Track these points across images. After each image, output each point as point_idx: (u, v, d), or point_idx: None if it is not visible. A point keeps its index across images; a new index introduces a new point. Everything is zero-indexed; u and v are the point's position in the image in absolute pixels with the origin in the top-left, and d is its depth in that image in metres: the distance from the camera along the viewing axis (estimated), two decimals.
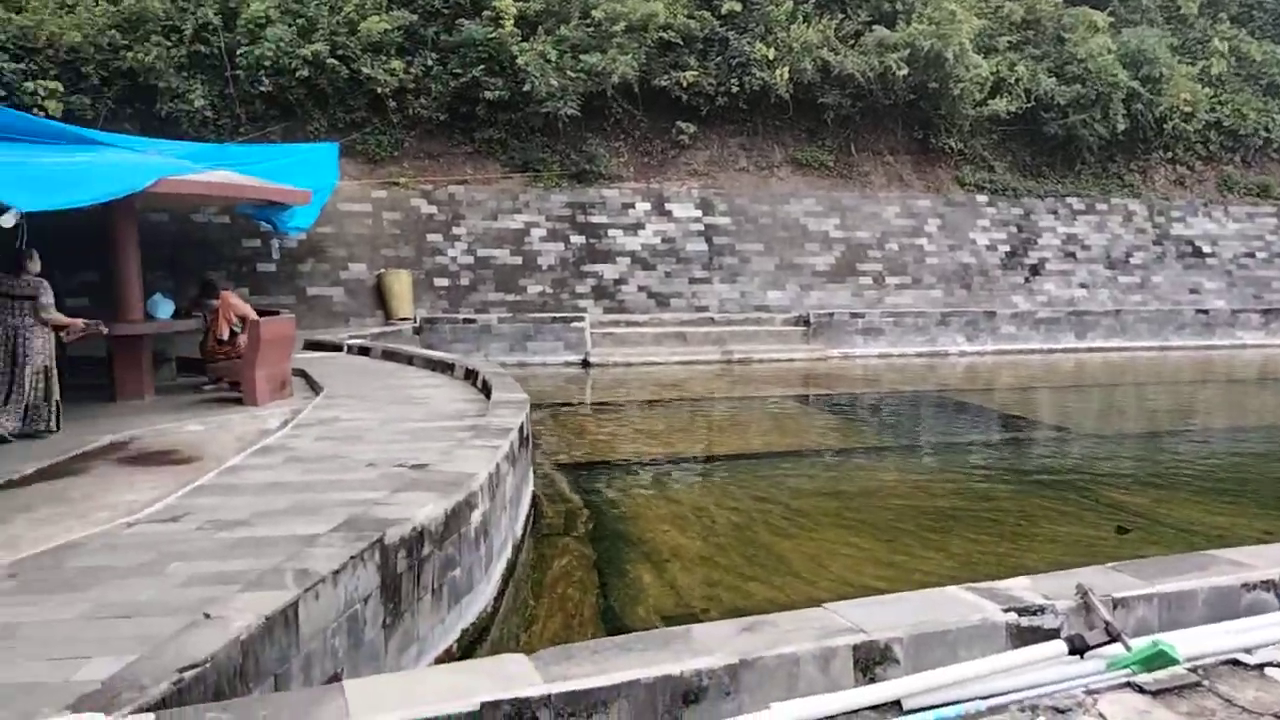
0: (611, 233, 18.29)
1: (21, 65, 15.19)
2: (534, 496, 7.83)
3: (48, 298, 7.59)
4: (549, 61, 17.85)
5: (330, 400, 9.06)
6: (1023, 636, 3.52)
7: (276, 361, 9.30)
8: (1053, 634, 3.52)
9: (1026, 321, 19.12)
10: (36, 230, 7.38)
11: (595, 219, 18.36)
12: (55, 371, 7.71)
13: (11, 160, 7.66)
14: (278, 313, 10.44)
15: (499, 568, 5.88)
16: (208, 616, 3.34)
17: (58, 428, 7.73)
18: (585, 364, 15.81)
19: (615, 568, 6.38)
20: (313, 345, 12.76)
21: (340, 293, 16.31)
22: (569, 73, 18.04)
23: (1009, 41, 21.69)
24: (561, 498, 8.15)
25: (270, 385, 9.15)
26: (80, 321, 8.05)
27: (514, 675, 2.95)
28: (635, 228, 18.46)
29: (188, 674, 2.89)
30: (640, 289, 17.92)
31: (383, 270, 16.45)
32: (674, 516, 7.57)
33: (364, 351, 12.52)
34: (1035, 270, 20.63)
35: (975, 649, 3.43)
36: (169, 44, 16.31)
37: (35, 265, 7.63)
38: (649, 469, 9.37)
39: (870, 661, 3.31)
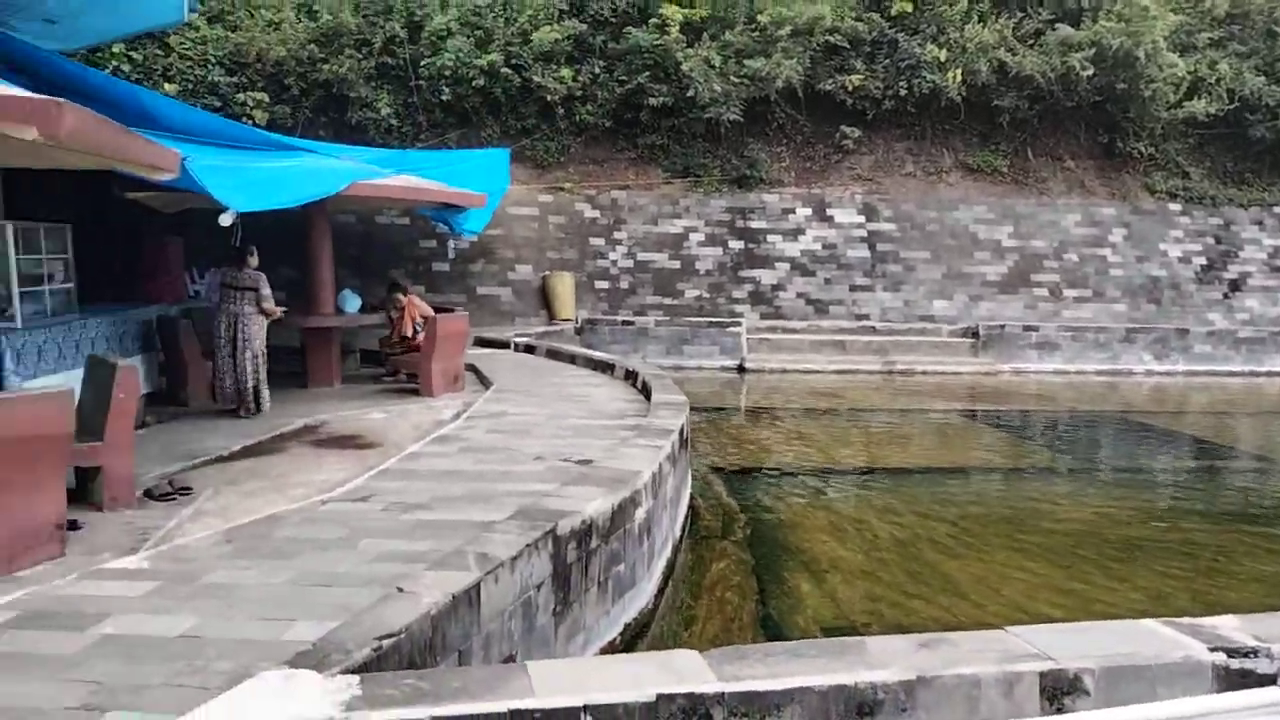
0: (770, 238, 18.15)
1: (234, 79, 16.69)
2: (691, 499, 7.88)
3: (266, 289, 8.37)
4: (713, 67, 17.93)
5: (499, 395, 9.44)
6: (1231, 680, 3.24)
7: (451, 356, 9.79)
8: (1268, 680, 3.23)
9: (1225, 340, 17.56)
10: (246, 228, 8.10)
11: (754, 224, 18.28)
12: (265, 356, 8.47)
13: (228, 165, 8.40)
14: (453, 310, 10.96)
15: (659, 566, 5.96)
16: (400, 590, 3.56)
17: (263, 408, 8.46)
18: (740, 369, 15.77)
19: (773, 575, 6.33)
20: (482, 342, 13.32)
21: (507, 293, 16.98)
22: (732, 78, 18.05)
23: (1210, 38, 20.00)
24: (718, 502, 8.16)
25: (444, 378, 9.64)
26: (280, 310, 8.80)
27: (688, 670, 2.99)
28: (795, 233, 18.25)
29: (385, 642, 3.09)
30: (799, 295, 17.70)
31: (547, 272, 17.00)
32: (833, 527, 7.43)
33: (529, 350, 12.98)
34: (1235, 285, 18.93)
35: (1176, 688, 3.19)
36: (360, 56, 17.48)
37: (254, 260, 8.42)
38: (806, 478, 9.24)
39: (1058, 690, 3.14)
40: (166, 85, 15.79)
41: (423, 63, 17.67)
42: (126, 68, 15.77)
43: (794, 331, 16.89)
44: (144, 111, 8.65)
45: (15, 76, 8.22)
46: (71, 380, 6.94)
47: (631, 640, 5.15)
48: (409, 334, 10.03)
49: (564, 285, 16.65)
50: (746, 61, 18.11)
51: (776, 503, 8.17)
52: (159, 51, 16.34)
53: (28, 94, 4.60)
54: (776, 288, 17.74)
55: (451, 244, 16.66)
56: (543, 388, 9.95)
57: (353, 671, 2.90)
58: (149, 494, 5.74)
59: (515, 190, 17.23)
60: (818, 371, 15.73)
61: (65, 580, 4.16)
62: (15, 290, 7.12)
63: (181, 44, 16.47)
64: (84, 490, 5.46)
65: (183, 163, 6.28)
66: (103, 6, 11.19)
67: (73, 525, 4.87)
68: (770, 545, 6.97)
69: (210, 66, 16.62)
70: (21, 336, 6.77)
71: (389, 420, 8.44)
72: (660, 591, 5.83)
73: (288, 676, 2.70)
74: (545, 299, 16.84)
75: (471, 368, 10.92)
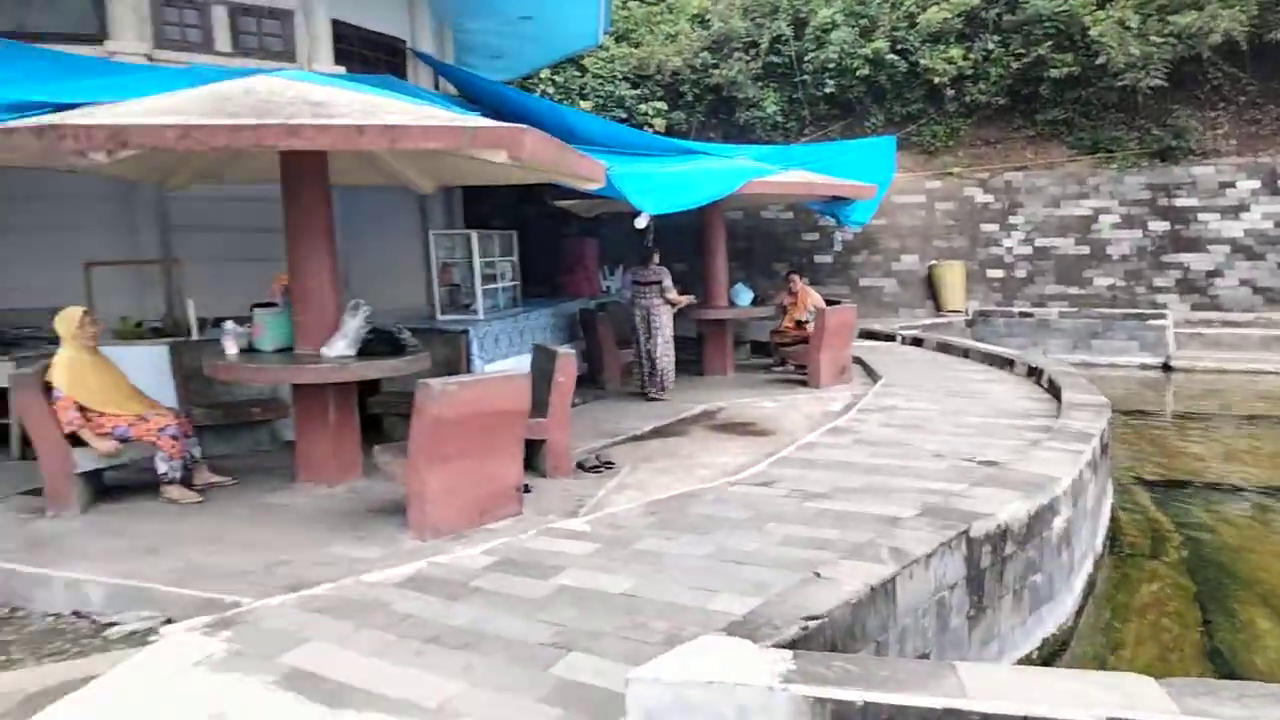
0: (1203, 217, 15.67)
1: (637, 91, 18.22)
2: (1112, 511, 7.11)
3: (668, 281, 9.14)
4: (1128, 28, 15.90)
5: (888, 388, 9.28)
6: None
7: (839, 348, 9.82)
8: None
9: None
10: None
11: (1181, 201, 15.91)
12: (673, 343, 9.26)
13: (639, 172, 9.18)
14: (839, 302, 10.98)
15: (1079, 581, 5.46)
16: (818, 575, 3.65)
17: (668, 389, 9.24)
18: (1165, 368, 13.83)
19: (1220, 605, 5.50)
20: (866, 334, 13.17)
21: (891, 284, 16.60)
22: (1153, 38, 15.86)
23: None
24: (1145, 517, 7.26)
25: (832, 370, 9.70)
26: (685, 299, 9.50)
27: (1143, 697, 2.70)
28: (1236, 210, 15.56)
29: (811, 623, 3.20)
30: (1242, 283, 15.08)
31: (934, 261, 16.32)
32: None
33: (916, 342, 12.58)
34: None
35: None
36: (748, 58, 18.14)
37: (656, 256, 9.20)
38: (1256, 496, 7.87)
39: None
40: (582, 102, 17.69)
41: (807, 57, 17.87)
42: (551, 90, 17.95)
43: (1236, 325, 14.42)
44: (568, 127, 9.75)
45: (472, 106, 9.75)
46: (516, 364, 8.09)
47: (1049, 657, 4.79)
48: (803, 318, 10.25)
49: (953, 275, 15.87)
50: (1171, 18, 15.81)
51: (1219, 523, 7.07)
52: (576, 73, 18.36)
53: (498, 123, 5.43)
54: (1212, 274, 15.30)
55: (837, 236, 16.68)
56: (934, 382, 9.58)
57: (782, 647, 3.03)
58: (580, 465, 6.49)
59: (900, 178, 16.73)
60: (1270, 373, 13.28)
61: (526, 535, 4.86)
62: (479, 288, 8.46)
63: (594, 64, 18.34)
64: (530, 460, 6.30)
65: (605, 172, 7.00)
66: (536, 40, 12.88)
67: (526, 489, 5.65)
68: (1214, 571, 6.06)
69: (617, 82, 18.29)
70: (483, 327, 8.04)
71: (780, 409, 8.68)
72: (1080, 610, 5.34)
73: (727, 643, 2.90)
74: (932, 290, 16.19)
75: (857, 360, 10.85)
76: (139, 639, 4.05)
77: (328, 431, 5.99)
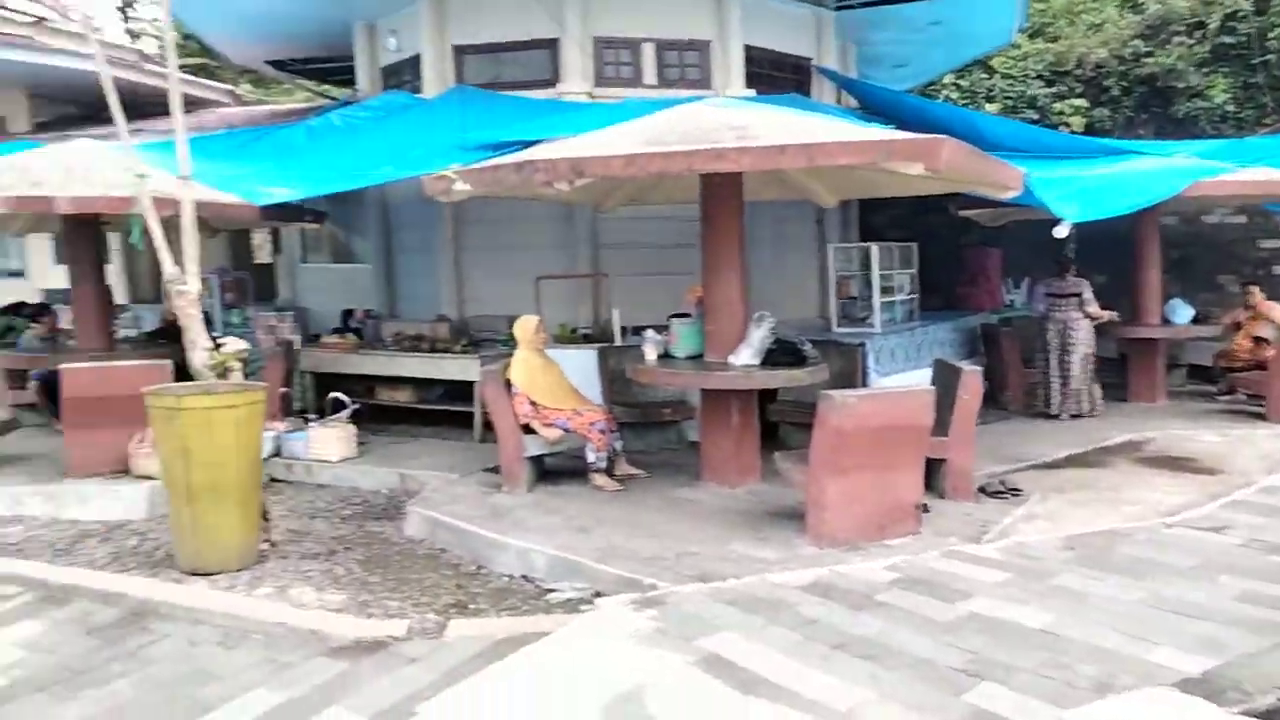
0: None
1: (1052, 89, 16.76)
2: None
3: (1089, 294, 8.40)
4: None
5: None
6: None
7: None
8: None
9: None
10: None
11: None
12: (1095, 359, 8.46)
13: (1058, 177, 8.46)
14: None
15: None
16: None
17: (1095, 411, 8.43)
18: None
19: None
20: None
21: None
22: None
23: None
24: None
25: None
26: (1108, 314, 8.61)
27: None
28: None
29: None
30: None
31: None
32: None
33: None
34: None
35: None
36: (1191, 42, 15.84)
37: (1074, 267, 8.46)
38: None
39: None
40: (988, 105, 16.72)
41: (1271, 34, 15.16)
42: (954, 94, 17.20)
43: None
44: (976, 132, 9.26)
45: (873, 117, 9.68)
46: (913, 378, 7.89)
47: None
48: (1265, 335, 8.77)
49: None
50: None
51: None
52: (983, 75, 17.39)
53: (914, 135, 5.34)
54: None
55: None
56: None
57: (1253, 715, 2.62)
58: (981, 490, 6.14)
59: None
60: None
61: (927, 555, 4.72)
62: (876, 300, 8.41)
63: (1004, 64, 17.23)
64: (929, 479, 6.07)
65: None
66: (943, 45, 12.48)
67: (924, 508, 5.48)
68: None
69: (1029, 81, 17.01)
70: (879, 340, 7.96)
71: (1228, 445, 7.50)
72: None
73: (1180, 699, 2.58)
74: None
75: None
76: (573, 606, 4.62)
77: (730, 435, 6.33)
